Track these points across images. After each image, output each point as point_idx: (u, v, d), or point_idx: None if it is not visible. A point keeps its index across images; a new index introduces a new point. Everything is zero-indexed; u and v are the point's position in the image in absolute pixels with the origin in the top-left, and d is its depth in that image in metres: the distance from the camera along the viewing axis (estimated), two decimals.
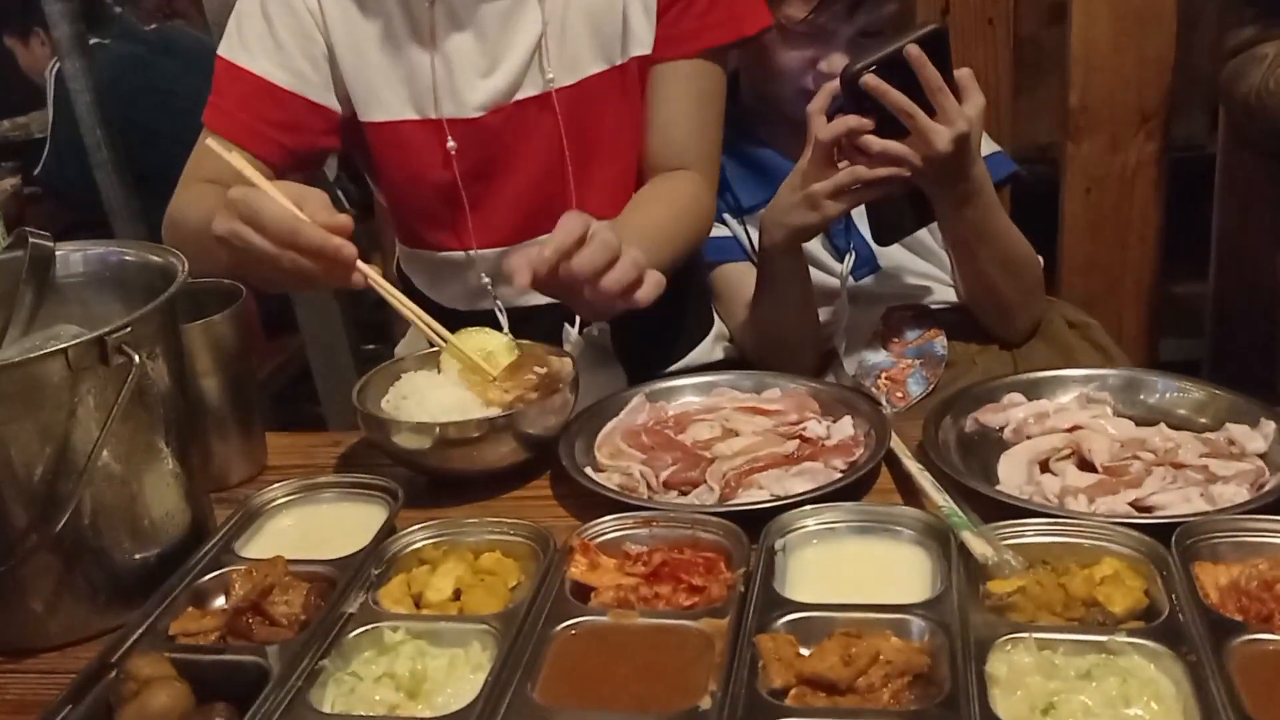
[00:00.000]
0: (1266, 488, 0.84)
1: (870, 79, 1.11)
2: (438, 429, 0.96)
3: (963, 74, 1.15)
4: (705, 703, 0.68)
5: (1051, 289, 1.70)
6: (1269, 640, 0.68)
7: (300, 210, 0.94)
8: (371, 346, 2.09)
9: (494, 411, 0.98)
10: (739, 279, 1.41)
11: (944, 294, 1.45)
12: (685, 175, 1.30)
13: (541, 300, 1.33)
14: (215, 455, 1.04)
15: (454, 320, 1.27)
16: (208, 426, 1.02)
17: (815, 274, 1.39)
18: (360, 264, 0.97)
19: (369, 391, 1.03)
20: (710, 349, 1.47)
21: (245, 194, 0.96)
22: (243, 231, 0.95)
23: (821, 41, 1.33)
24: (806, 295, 1.34)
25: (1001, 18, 1.65)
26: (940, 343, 1.40)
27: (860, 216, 1.37)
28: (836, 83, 1.16)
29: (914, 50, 1.10)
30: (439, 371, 1.04)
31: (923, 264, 1.45)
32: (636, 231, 1.11)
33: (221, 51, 1.25)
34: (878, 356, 1.40)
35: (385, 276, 1.59)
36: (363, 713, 0.72)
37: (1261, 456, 0.88)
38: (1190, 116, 1.97)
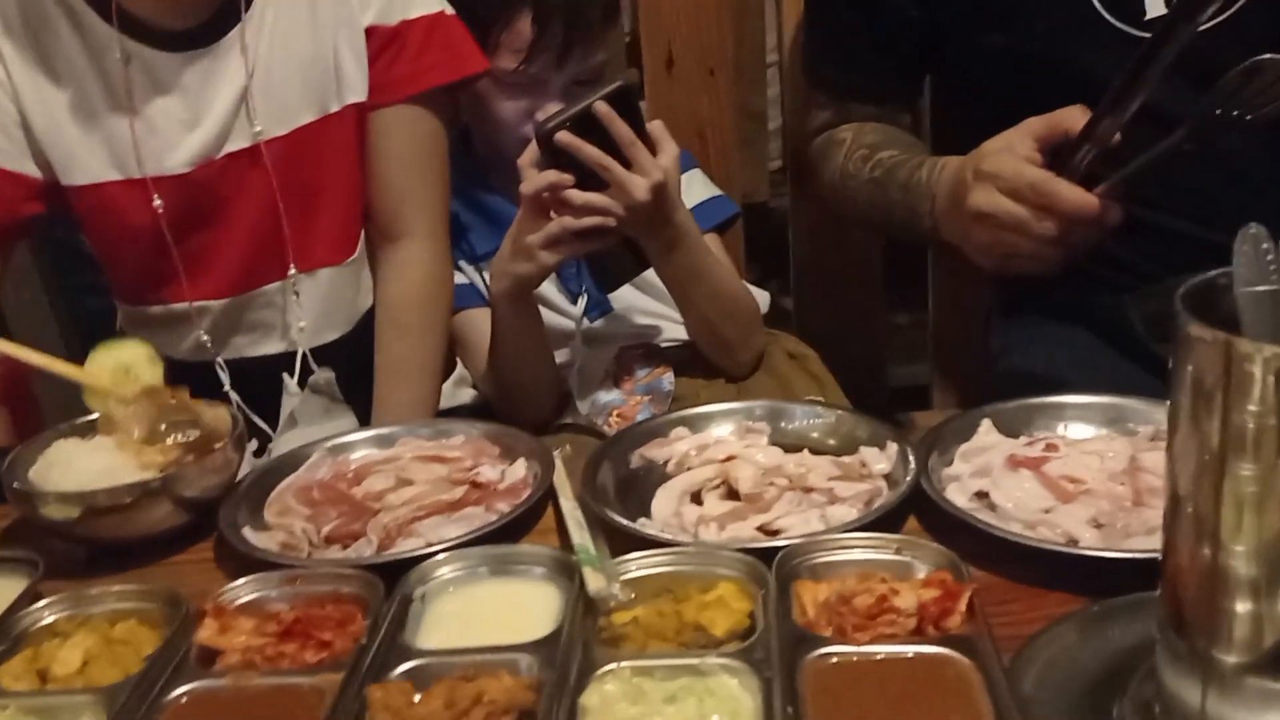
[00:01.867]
0: (874, 505, 0.89)
1: (563, 136, 1.15)
2: (85, 497, 0.93)
3: (654, 126, 1.20)
4: None
5: (787, 322, 1.78)
6: (839, 652, 0.72)
7: None
8: None
9: (147, 475, 0.96)
10: (477, 324, 1.43)
11: (675, 332, 1.49)
12: (411, 275, 1.33)
13: (266, 350, 1.33)
14: None
15: (179, 373, 1.25)
16: None
17: (550, 316, 1.42)
18: None
19: (19, 463, 0.99)
20: (451, 394, 1.47)
21: None
22: None
23: (536, 91, 1.36)
24: (540, 340, 1.37)
25: (723, 67, 1.72)
26: (668, 379, 1.45)
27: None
28: None
29: (602, 107, 1.15)
30: (92, 436, 1.01)
31: (654, 303, 1.50)
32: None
33: None
34: (610, 395, 1.44)
35: None
36: None
37: (886, 477, 0.94)
38: None
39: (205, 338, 1.30)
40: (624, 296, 1.46)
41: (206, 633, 0.80)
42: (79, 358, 1.05)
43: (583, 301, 1.45)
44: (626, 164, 1.17)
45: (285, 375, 1.31)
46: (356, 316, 1.38)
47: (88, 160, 1.22)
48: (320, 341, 1.34)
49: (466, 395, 1.50)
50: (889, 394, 1.84)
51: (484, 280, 1.45)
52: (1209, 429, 0.55)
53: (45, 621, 0.85)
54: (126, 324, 1.40)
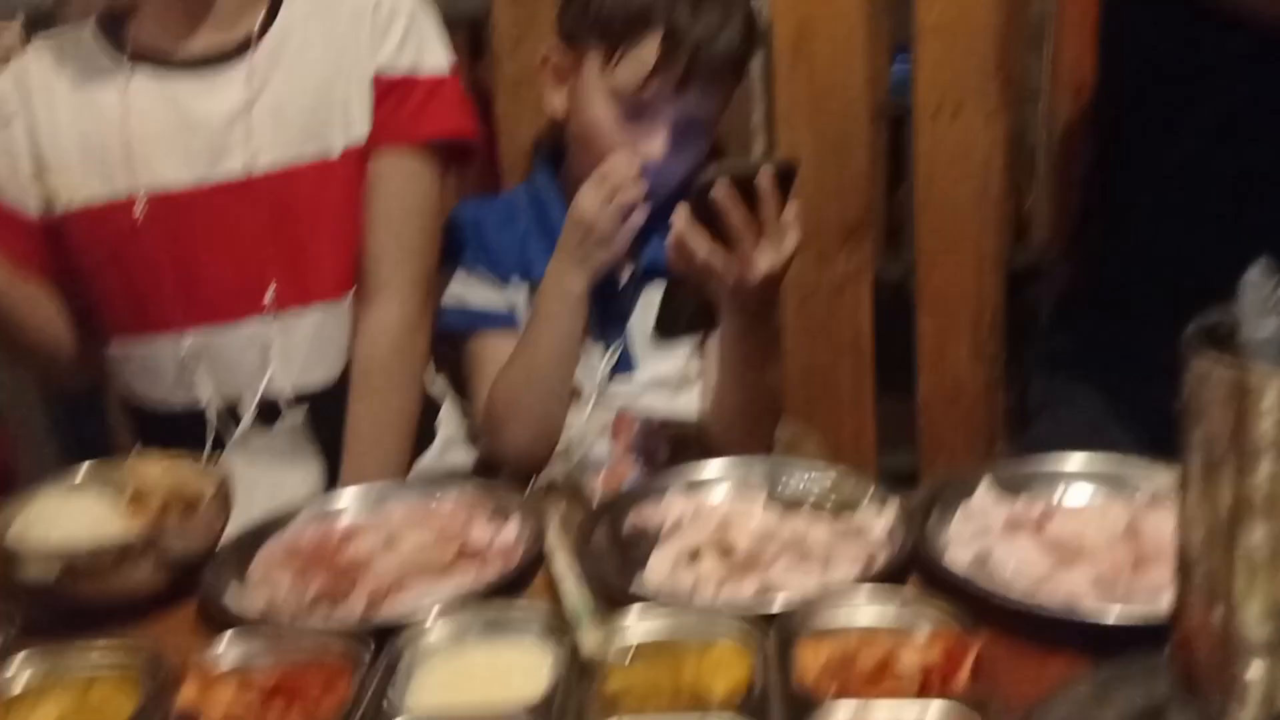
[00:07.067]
0: (875, 566, 0.87)
1: (721, 190, 1.15)
2: (65, 557, 0.91)
3: (792, 211, 1.19)
4: None
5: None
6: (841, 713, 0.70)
7: None
8: None
9: (130, 535, 0.94)
10: (505, 352, 1.39)
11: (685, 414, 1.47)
12: (380, 336, 1.33)
13: (248, 389, 1.31)
14: None
15: (162, 421, 1.29)
16: None
17: None
18: None
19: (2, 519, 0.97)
20: (440, 455, 1.44)
21: None
22: None
23: (646, 121, 1.34)
24: (578, 349, 1.36)
25: None
26: (664, 450, 1.43)
27: (640, 320, 1.40)
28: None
29: (766, 177, 1.15)
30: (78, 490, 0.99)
31: (678, 391, 1.45)
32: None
33: None
34: (602, 451, 1.41)
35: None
36: None
37: (887, 536, 0.93)
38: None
39: (189, 371, 1.29)
40: (650, 366, 1.43)
41: (187, 695, 0.78)
42: None
43: (613, 355, 1.42)
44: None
45: (246, 395, 1.30)
46: (343, 364, 1.36)
47: (83, 176, 1.27)
48: (306, 382, 1.33)
49: (457, 457, 1.47)
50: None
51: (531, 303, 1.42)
52: (1228, 477, 0.54)
53: (18, 682, 0.81)
54: (116, 368, 1.39)
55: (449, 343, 1.46)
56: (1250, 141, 1.24)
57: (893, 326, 1.80)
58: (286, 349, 1.31)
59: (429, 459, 1.43)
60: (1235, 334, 0.60)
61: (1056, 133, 1.75)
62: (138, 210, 1.25)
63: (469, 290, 1.42)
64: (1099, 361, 1.41)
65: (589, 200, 1.30)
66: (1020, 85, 2.20)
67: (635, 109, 1.35)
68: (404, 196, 1.33)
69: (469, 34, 1.75)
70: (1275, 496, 0.55)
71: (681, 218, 1.18)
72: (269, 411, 1.32)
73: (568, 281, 1.31)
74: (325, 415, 1.33)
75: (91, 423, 1.74)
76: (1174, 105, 1.30)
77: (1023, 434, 1.56)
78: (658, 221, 1.28)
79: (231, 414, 1.32)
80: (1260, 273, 0.59)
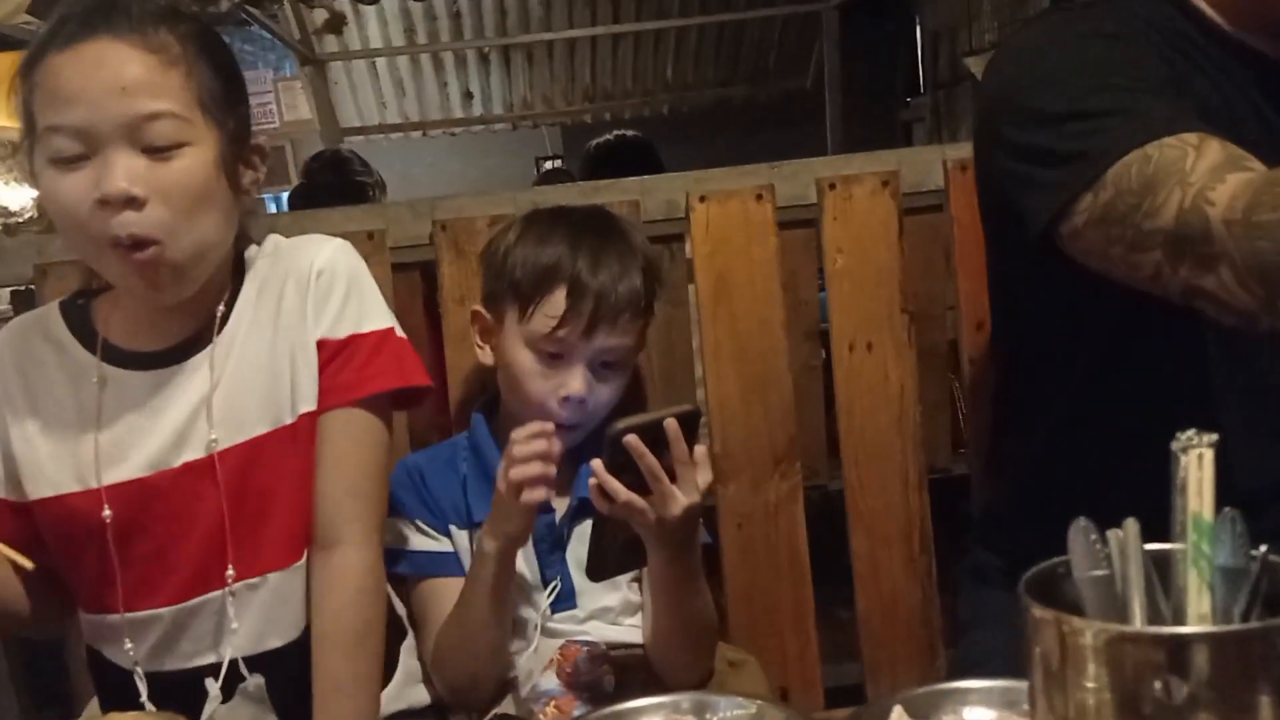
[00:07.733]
0: None
1: (632, 439, 1.26)
2: None
3: (700, 452, 1.31)
4: None
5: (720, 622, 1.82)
6: None
7: None
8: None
9: None
10: (450, 595, 1.45)
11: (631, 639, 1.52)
12: (344, 585, 1.35)
13: (208, 660, 1.34)
14: None
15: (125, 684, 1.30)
16: None
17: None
18: None
19: None
20: (398, 694, 1.47)
21: None
22: None
23: (564, 366, 1.47)
24: (510, 599, 1.43)
25: None
26: (609, 681, 1.48)
27: (578, 555, 1.47)
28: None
29: (672, 425, 1.27)
30: None
31: (620, 620, 1.53)
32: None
33: None
34: (550, 684, 1.46)
35: None
36: None
37: None
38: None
39: (146, 648, 1.33)
40: (594, 598, 1.51)
41: None
42: None
43: (552, 591, 1.49)
44: (672, 478, 1.28)
45: (209, 680, 1.32)
46: (304, 622, 1.38)
47: (54, 474, 1.31)
48: (263, 648, 1.35)
49: (415, 695, 1.50)
50: (825, 694, 1.86)
51: (473, 548, 1.48)
52: (1059, 704, 0.62)
53: None
54: (89, 636, 1.42)
55: (400, 584, 1.53)
56: (1130, 383, 1.37)
57: (840, 534, 1.88)
58: (245, 619, 1.34)
59: (390, 693, 1.46)
60: (1069, 574, 0.69)
61: (966, 359, 1.89)
62: (104, 508, 1.28)
63: (413, 538, 1.51)
64: (1019, 576, 1.50)
65: (500, 474, 1.36)
66: (941, 304, 2.39)
67: (551, 353, 1.49)
68: (355, 451, 1.37)
69: (422, 272, 1.87)
70: (1102, 708, 0.62)
71: (598, 467, 1.28)
72: (229, 679, 1.33)
73: (486, 544, 1.38)
74: (285, 677, 1.35)
75: (54, 669, 1.76)
76: (1056, 346, 1.44)
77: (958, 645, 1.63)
78: (590, 456, 1.37)
79: (193, 682, 1.34)
80: (1085, 523, 0.70)
